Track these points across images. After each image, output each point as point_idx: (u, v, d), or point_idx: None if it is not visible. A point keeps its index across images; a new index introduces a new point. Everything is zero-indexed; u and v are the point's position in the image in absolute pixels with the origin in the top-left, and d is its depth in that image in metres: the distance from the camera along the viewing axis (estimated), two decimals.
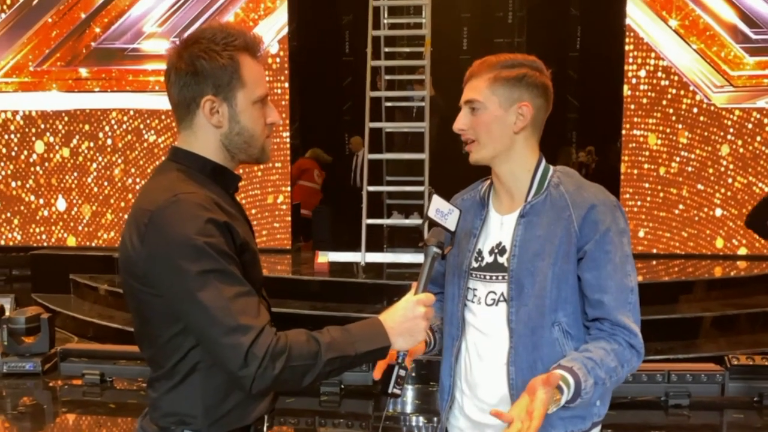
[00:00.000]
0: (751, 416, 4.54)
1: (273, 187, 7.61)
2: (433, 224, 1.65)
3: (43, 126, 7.82)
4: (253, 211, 7.52)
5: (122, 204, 7.75)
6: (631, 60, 7.27)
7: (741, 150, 7.17)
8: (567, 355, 1.65)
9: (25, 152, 7.87)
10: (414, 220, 7.38)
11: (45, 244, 7.92)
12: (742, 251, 7.21)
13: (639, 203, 7.33)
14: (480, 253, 1.78)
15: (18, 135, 7.87)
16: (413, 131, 7.45)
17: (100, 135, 7.75)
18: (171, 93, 1.53)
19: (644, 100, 7.27)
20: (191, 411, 1.50)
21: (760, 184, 7.13)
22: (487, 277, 1.76)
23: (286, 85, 7.52)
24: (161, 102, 7.48)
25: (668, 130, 7.26)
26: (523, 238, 1.71)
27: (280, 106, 7.35)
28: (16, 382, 5.12)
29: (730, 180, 7.20)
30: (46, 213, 7.91)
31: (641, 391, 4.61)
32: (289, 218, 7.63)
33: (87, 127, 7.76)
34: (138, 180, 7.70)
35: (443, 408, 1.87)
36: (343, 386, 4.78)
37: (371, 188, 6.61)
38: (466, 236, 1.80)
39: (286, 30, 7.55)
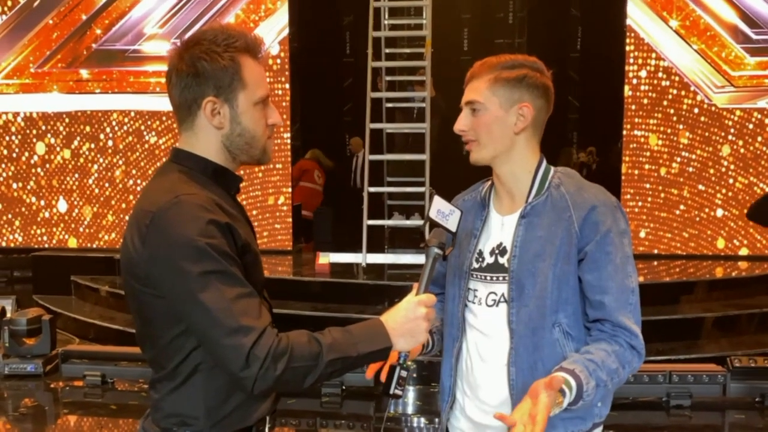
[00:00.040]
0: (753, 417, 4.53)
1: (274, 188, 7.61)
2: (434, 225, 1.65)
3: (44, 127, 7.82)
4: (254, 212, 7.51)
5: (123, 205, 7.75)
6: (631, 60, 7.27)
7: (742, 150, 7.16)
8: (568, 357, 1.65)
9: (26, 154, 7.87)
10: (415, 221, 7.38)
11: (46, 245, 7.92)
12: (744, 252, 7.21)
13: (640, 204, 7.33)
14: (481, 253, 1.78)
15: (19, 136, 7.87)
16: (414, 132, 7.46)
17: (101, 136, 7.75)
18: (172, 94, 1.53)
19: (645, 101, 7.26)
20: (193, 412, 1.50)
21: (761, 185, 7.12)
22: (488, 278, 1.76)
23: (287, 86, 7.52)
24: (162, 103, 7.49)
25: (669, 131, 7.25)
26: (523, 238, 1.71)
27: (281, 107, 7.35)
28: (17, 384, 5.12)
29: (731, 180, 7.19)
30: (47, 214, 7.91)
31: (643, 391, 4.61)
32: (290, 219, 7.63)
33: (88, 128, 7.76)
34: (139, 181, 7.71)
35: (444, 409, 1.87)
36: (344, 387, 4.78)
37: (372, 189, 6.60)
38: (467, 237, 1.80)
39: (286, 31, 7.55)
